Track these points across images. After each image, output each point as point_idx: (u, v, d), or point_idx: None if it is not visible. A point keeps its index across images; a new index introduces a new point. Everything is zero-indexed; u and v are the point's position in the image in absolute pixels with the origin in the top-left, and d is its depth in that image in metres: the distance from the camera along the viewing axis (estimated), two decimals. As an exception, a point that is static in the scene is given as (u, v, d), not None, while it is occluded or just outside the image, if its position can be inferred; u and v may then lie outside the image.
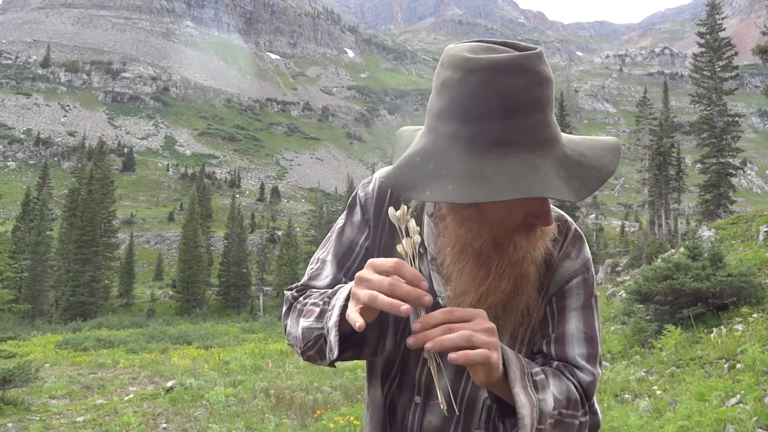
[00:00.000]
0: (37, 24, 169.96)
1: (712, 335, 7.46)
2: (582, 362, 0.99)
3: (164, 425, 7.77)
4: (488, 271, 0.88)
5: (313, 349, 1.00)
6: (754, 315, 7.86)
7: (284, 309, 1.10)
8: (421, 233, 0.97)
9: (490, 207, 0.85)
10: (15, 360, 10.26)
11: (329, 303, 0.96)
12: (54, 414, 8.76)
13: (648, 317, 8.95)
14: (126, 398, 9.94)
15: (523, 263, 0.89)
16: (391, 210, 0.88)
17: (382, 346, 1.01)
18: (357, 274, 0.84)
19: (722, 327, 7.72)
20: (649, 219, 36.57)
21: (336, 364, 0.98)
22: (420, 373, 1.03)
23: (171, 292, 49.63)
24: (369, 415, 1.11)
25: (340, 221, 1.13)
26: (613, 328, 11.19)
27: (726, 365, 6.26)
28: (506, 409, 0.91)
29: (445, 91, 0.83)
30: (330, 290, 1.01)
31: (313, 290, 1.07)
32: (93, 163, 52.01)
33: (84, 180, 48.17)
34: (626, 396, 6.31)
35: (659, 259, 13.42)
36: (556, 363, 0.99)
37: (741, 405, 4.77)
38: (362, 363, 10.07)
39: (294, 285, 1.11)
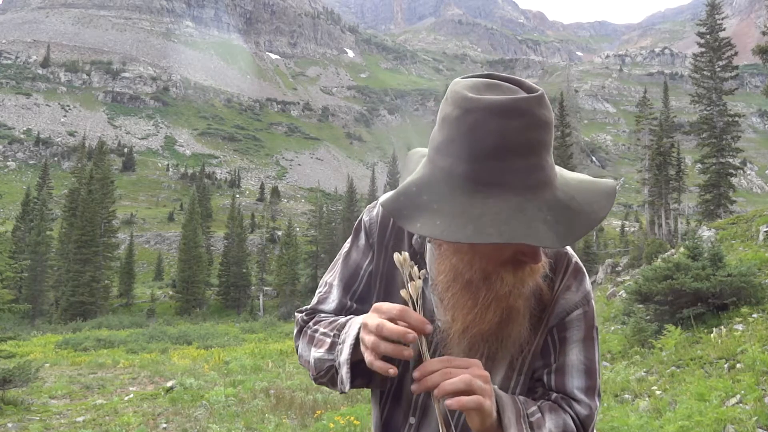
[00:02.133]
0: (37, 24, 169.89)
1: (712, 335, 7.46)
2: (580, 395, 1.00)
3: (164, 425, 7.77)
4: (475, 302, 0.91)
5: (325, 377, 1.05)
6: (754, 315, 7.86)
7: (295, 331, 1.16)
8: (424, 256, 1.04)
9: (479, 248, 0.89)
10: (15, 360, 10.26)
11: (339, 336, 1.00)
12: (54, 414, 8.76)
13: (648, 317, 8.95)
14: (126, 398, 9.94)
15: (510, 297, 0.91)
16: (396, 255, 0.91)
17: (384, 380, 1.05)
18: (362, 321, 0.90)
19: (722, 327, 7.72)
20: (649, 219, 36.57)
21: (348, 390, 1.04)
22: (416, 394, 1.04)
23: (171, 292, 49.62)
24: None
25: (347, 245, 1.17)
26: (613, 328, 11.18)
27: (726, 365, 6.26)
28: None
29: (444, 126, 0.85)
30: (339, 319, 1.05)
31: (322, 314, 1.12)
32: (93, 163, 51.99)
33: (84, 180, 48.14)
34: (626, 396, 6.31)
35: (659, 259, 13.42)
36: (554, 396, 1.01)
37: (741, 405, 4.77)
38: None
39: (304, 308, 1.17)
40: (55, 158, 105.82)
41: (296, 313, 1.17)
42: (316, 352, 1.05)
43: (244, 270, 51.13)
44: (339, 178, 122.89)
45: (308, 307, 1.16)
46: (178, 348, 19.95)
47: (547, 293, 1.00)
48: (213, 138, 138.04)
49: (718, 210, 30.29)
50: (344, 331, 0.99)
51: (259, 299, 49.48)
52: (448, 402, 0.82)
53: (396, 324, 0.85)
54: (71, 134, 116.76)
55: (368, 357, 0.87)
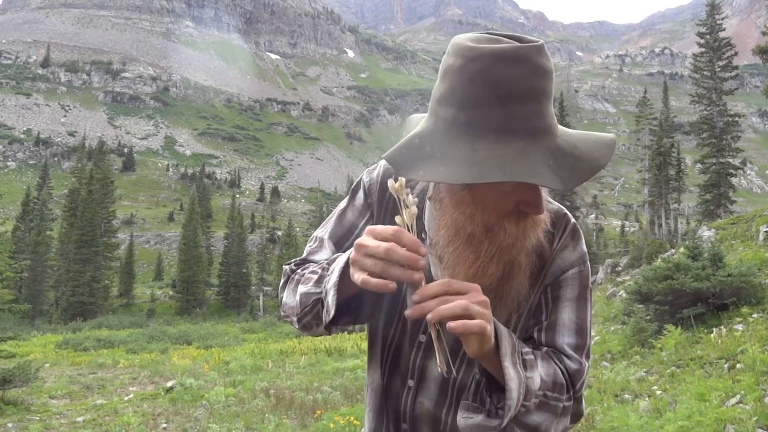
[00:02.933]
0: (37, 24, 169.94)
1: (712, 335, 7.46)
2: (570, 351, 1.01)
3: (164, 425, 7.77)
4: (477, 255, 0.91)
5: (310, 314, 1.02)
6: (754, 315, 7.86)
7: (282, 282, 1.13)
8: (422, 216, 1.04)
9: (483, 191, 0.89)
10: (15, 360, 10.26)
11: (328, 269, 0.99)
12: (54, 414, 8.76)
13: (648, 317, 8.95)
14: (126, 398, 9.94)
15: (512, 250, 0.91)
16: (390, 182, 0.90)
17: (378, 309, 1.06)
18: (356, 241, 0.86)
19: (722, 327, 7.72)
20: (649, 219, 36.56)
21: (332, 329, 1.02)
22: (414, 357, 1.05)
23: (171, 292, 49.62)
24: (368, 398, 1.15)
25: (343, 204, 1.16)
26: (613, 328, 11.18)
27: (726, 365, 6.26)
28: (494, 384, 0.94)
29: (446, 77, 0.87)
30: (329, 258, 1.04)
31: (312, 263, 1.10)
32: (93, 163, 52.02)
33: (84, 180, 48.15)
34: (626, 396, 6.31)
35: (659, 259, 13.41)
36: (545, 348, 1.01)
37: (741, 405, 4.77)
38: (362, 363, 10.06)
39: (292, 260, 1.14)
40: (55, 158, 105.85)
41: (284, 266, 1.14)
42: (302, 288, 1.03)
43: (244, 270, 51.14)
44: (339, 178, 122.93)
45: (298, 259, 1.14)
46: (178, 348, 19.95)
47: (547, 250, 1.01)
48: (213, 138, 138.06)
49: (718, 210, 30.28)
50: (334, 263, 0.98)
51: (259, 299, 49.48)
52: (451, 325, 0.81)
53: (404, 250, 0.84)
54: (71, 134, 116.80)
55: (361, 275, 0.84)
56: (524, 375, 0.91)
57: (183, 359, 15.82)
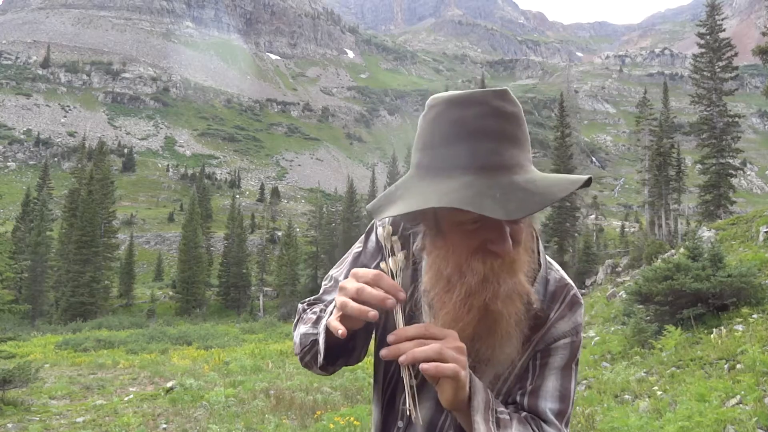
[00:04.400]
0: (37, 24, 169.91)
1: (712, 336, 7.46)
2: (551, 416, 1.02)
3: (164, 426, 7.77)
4: (451, 296, 0.92)
5: (309, 354, 1.09)
6: (754, 315, 7.86)
7: (294, 321, 1.19)
8: (418, 266, 1.05)
9: (451, 232, 0.92)
10: (15, 360, 10.27)
11: (326, 310, 1.06)
12: (54, 414, 8.76)
13: (648, 318, 8.95)
14: (126, 399, 9.94)
15: (483, 292, 0.90)
16: (379, 230, 0.96)
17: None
18: (340, 284, 0.91)
19: (722, 327, 7.72)
20: (649, 219, 36.56)
21: (330, 370, 1.08)
22: (404, 399, 1.06)
23: (171, 293, 49.58)
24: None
25: (358, 245, 1.20)
26: (613, 328, 11.18)
27: (726, 366, 6.26)
28: None
29: (418, 127, 0.95)
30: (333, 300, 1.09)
31: (321, 303, 1.17)
32: (93, 164, 52.00)
33: (84, 180, 48.13)
34: (626, 396, 6.31)
35: (659, 260, 13.41)
36: (524, 413, 1.02)
37: (741, 405, 4.77)
38: (362, 363, 10.00)
39: (307, 299, 1.20)
40: (55, 159, 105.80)
41: (299, 304, 1.20)
42: (302, 328, 1.11)
43: (244, 270, 51.09)
44: (339, 178, 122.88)
45: (312, 298, 1.20)
46: (178, 348, 19.95)
47: (543, 317, 1.02)
48: (213, 138, 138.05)
49: (718, 210, 30.28)
50: (331, 305, 1.01)
51: (259, 300, 49.45)
52: (424, 366, 0.82)
53: (375, 290, 0.87)
54: (71, 135, 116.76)
55: (333, 316, 0.90)
56: None
57: (183, 360, 15.83)
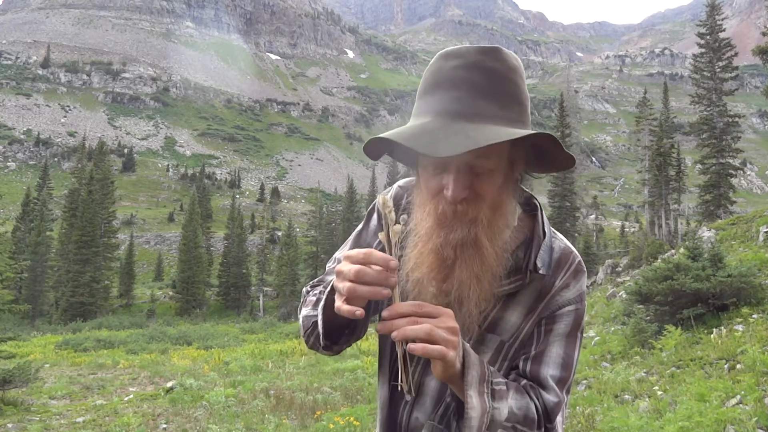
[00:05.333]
0: (37, 24, 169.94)
1: (712, 336, 7.46)
2: (551, 383, 1.02)
3: (164, 426, 7.77)
4: (415, 238, 0.98)
5: (312, 335, 1.11)
6: (754, 315, 7.86)
7: (299, 304, 1.21)
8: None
9: (422, 177, 0.99)
10: (15, 360, 10.27)
11: (325, 292, 1.06)
12: (54, 414, 8.76)
13: (648, 318, 8.94)
14: (126, 399, 9.94)
15: (436, 238, 0.95)
16: (378, 198, 0.97)
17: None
18: (335, 268, 0.93)
19: (722, 327, 7.72)
20: (649, 219, 36.52)
21: (335, 349, 1.10)
22: (413, 371, 1.08)
23: (171, 293, 49.57)
24: (378, 413, 1.19)
25: (359, 226, 1.23)
26: (613, 328, 11.18)
27: (726, 366, 6.26)
28: (462, 409, 0.95)
29: None
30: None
31: (323, 284, 1.19)
32: (93, 164, 51.97)
33: (84, 180, 48.13)
34: (626, 396, 6.31)
35: (659, 260, 13.41)
36: (524, 381, 1.03)
37: (741, 406, 4.77)
38: (362, 364, 10.03)
39: (311, 281, 1.22)
40: (55, 159, 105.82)
41: (303, 288, 1.22)
42: (304, 311, 1.14)
43: (244, 270, 51.09)
44: (339, 178, 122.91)
45: (316, 279, 1.22)
46: (178, 348, 19.94)
47: (548, 284, 1.04)
48: (213, 138, 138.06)
49: (718, 210, 30.27)
50: (330, 286, 1.03)
51: (259, 300, 49.44)
52: (411, 346, 0.85)
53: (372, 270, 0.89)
54: (71, 135, 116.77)
55: (338, 302, 0.91)
56: (490, 405, 0.93)
57: (183, 360, 15.83)
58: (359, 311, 0.87)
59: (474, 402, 0.91)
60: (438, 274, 0.96)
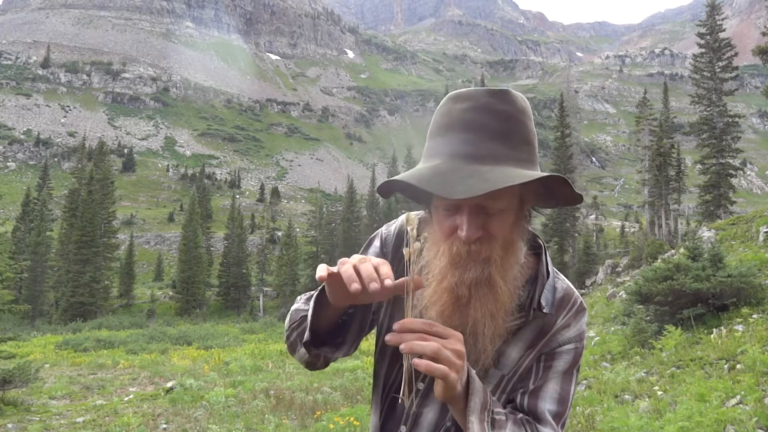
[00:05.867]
0: (37, 24, 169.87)
1: (712, 336, 7.46)
2: (548, 417, 1.05)
3: (164, 426, 7.77)
4: (429, 277, 0.98)
5: (296, 331, 1.11)
6: (754, 316, 7.86)
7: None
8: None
9: (435, 216, 1.01)
10: (15, 360, 10.27)
11: (318, 289, 1.08)
12: (54, 414, 8.76)
13: (648, 318, 8.94)
14: (126, 399, 9.94)
15: (451, 277, 0.96)
16: (404, 216, 1.02)
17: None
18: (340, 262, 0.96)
19: (722, 328, 7.72)
20: (649, 220, 36.51)
21: (312, 353, 1.08)
22: (410, 405, 1.08)
23: (171, 293, 49.55)
24: None
25: (362, 250, 1.23)
26: (613, 328, 11.18)
27: (726, 366, 6.26)
28: None
29: None
30: None
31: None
32: (93, 164, 51.97)
33: (84, 180, 48.11)
34: (626, 396, 6.31)
35: (659, 260, 13.40)
36: (521, 415, 1.05)
37: (741, 406, 4.77)
38: (362, 364, 10.03)
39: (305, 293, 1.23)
40: (55, 159, 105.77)
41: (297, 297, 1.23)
42: (295, 305, 1.15)
43: (244, 270, 51.09)
44: (339, 178, 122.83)
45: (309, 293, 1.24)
46: (178, 348, 19.94)
47: (550, 323, 1.07)
48: (213, 138, 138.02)
49: (718, 211, 30.26)
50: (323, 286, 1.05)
51: (259, 300, 49.44)
52: (416, 361, 0.86)
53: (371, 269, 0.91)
54: (71, 135, 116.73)
55: (326, 268, 0.94)
56: None
57: (183, 360, 15.83)
58: (322, 274, 0.91)
59: (475, 428, 0.93)
60: (453, 313, 0.97)
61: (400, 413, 1.12)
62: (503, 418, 0.99)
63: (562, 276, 1.13)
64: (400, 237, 1.17)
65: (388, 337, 0.90)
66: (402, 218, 1.19)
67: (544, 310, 1.05)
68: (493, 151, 0.93)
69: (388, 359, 1.15)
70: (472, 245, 0.95)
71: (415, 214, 1.12)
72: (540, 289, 1.06)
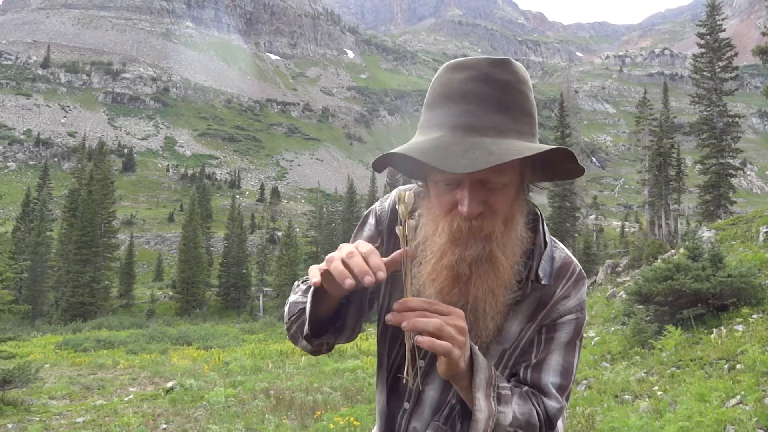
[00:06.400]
0: (37, 24, 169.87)
1: (712, 336, 7.46)
2: (552, 390, 1.04)
3: (164, 426, 7.77)
4: (427, 254, 0.96)
5: (296, 324, 1.08)
6: (754, 316, 7.86)
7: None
8: None
9: (433, 191, 0.97)
10: (15, 361, 10.27)
11: None
12: (54, 414, 8.76)
13: (648, 318, 8.94)
14: (126, 399, 9.94)
15: (451, 254, 0.93)
16: (396, 191, 0.99)
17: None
18: (328, 257, 0.93)
19: (722, 328, 7.71)
20: (649, 220, 36.51)
21: (315, 343, 1.07)
22: (413, 382, 1.07)
23: (171, 293, 49.56)
24: (377, 419, 1.19)
25: (354, 233, 1.22)
26: (613, 328, 11.18)
27: (726, 366, 6.26)
28: (467, 412, 0.98)
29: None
30: None
31: None
32: (93, 164, 51.96)
33: (84, 181, 48.13)
34: (626, 397, 6.31)
35: (659, 260, 13.40)
36: (526, 388, 1.04)
37: (741, 406, 4.77)
38: (362, 364, 10.02)
39: (303, 277, 1.19)
40: (55, 159, 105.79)
41: (295, 283, 1.20)
42: (293, 297, 1.12)
43: (244, 271, 51.09)
44: (339, 178, 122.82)
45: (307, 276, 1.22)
46: (178, 349, 19.94)
47: (549, 293, 1.05)
48: (213, 139, 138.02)
49: (718, 211, 30.26)
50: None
51: (259, 300, 49.44)
52: (419, 338, 0.85)
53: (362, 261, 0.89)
54: (71, 135, 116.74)
55: (317, 266, 0.92)
56: (496, 408, 0.94)
57: (183, 360, 15.83)
58: (317, 279, 0.89)
59: (482, 404, 0.92)
60: (452, 290, 0.95)
61: (403, 391, 1.11)
62: (509, 392, 0.98)
63: (560, 245, 1.10)
64: (395, 212, 1.13)
65: (388, 317, 0.89)
66: (393, 195, 1.17)
67: (543, 282, 1.03)
68: (494, 123, 0.90)
69: (389, 338, 1.14)
70: (474, 221, 0.92)
71: (406, 190, 1.10)
72: (537, 260, 1.04)
